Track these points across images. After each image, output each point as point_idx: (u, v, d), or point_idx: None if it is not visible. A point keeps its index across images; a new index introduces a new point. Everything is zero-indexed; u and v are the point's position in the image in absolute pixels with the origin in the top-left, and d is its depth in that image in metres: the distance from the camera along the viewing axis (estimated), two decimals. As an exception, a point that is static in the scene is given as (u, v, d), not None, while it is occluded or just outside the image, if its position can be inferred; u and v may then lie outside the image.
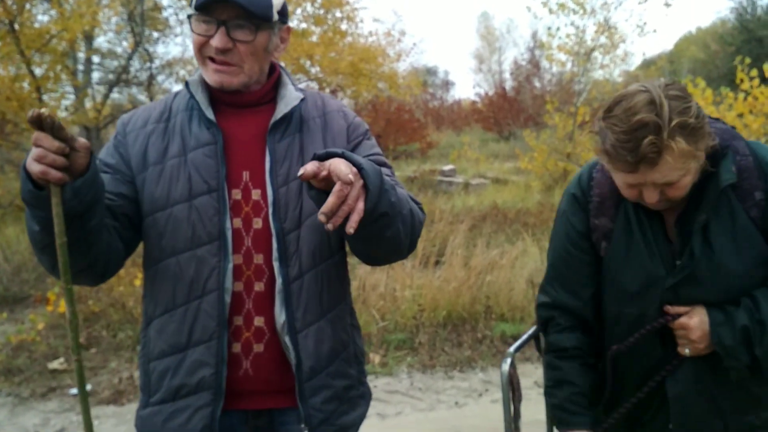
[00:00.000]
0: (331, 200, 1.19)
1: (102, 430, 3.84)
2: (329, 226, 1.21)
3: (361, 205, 1.23)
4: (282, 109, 1.52)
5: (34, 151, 1.18)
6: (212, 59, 1.45)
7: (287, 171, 1.50)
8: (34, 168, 1.17)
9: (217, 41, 1.41)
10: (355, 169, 1.23)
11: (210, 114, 1.49)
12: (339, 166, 1.20)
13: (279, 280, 1.47)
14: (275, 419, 1.57)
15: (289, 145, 1.51)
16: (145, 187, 1.49)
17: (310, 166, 1.21)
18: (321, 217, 1.20)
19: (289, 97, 1.54)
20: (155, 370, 1.52)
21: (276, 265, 1.47)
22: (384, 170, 1.44)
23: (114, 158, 1.53)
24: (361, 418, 1.65)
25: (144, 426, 1.56)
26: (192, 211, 1.46)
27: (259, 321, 1.49)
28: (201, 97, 1.50)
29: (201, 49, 1.45)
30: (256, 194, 1.50)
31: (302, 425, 1.52)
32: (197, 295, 1.47)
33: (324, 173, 1.21)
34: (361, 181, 1.24)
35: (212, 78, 1.46)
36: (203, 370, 1.47)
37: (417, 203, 1.55)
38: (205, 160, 1.47)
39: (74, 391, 4.36)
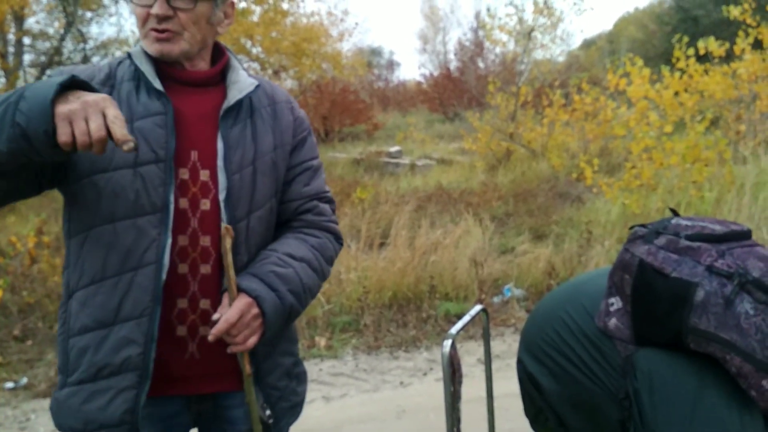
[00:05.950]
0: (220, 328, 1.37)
1: (39, 423, 3.74)
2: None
3: (251, 342, 1.41)
4: (235, 94, 1.50)
5: (112, 112, 1.19)
6: (154, 29, 1.42)
7: (240, 158, 1.48)
8: (92, 125, 1.17)
9: (157, 8, 1.39)
10: (255, 311, 1.41)
11: (158, 84, 1.44)
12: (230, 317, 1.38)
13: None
14: (220, 403, 1.54)
15: (241, 131, 1.50)
16: None
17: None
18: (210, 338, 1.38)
19: (243, 83, 1.53)
20: (75, 347, 1.41)
21: None
22: (324, 207, 1.64)
23: None
24: (305, 393, 1.71)
25: (60, 409, 1.44)
26: (137, 179, 1.38)
27: (205, 304, 1.45)
28: (147, 68, 1.45)
29: (144, 22, 1.42)
30: (204, 175, 1.46)
31: (263, 404, 1.51)
32: (132, 266, 1.38)
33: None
34: (258, 321, 1.42)
35: (152, 48, 1.43)
36: (129, 348, 1.38)
37: (336, 237, 1.67)
38: (154, 128, 1.41)
39: (9, 385, 4.22)
